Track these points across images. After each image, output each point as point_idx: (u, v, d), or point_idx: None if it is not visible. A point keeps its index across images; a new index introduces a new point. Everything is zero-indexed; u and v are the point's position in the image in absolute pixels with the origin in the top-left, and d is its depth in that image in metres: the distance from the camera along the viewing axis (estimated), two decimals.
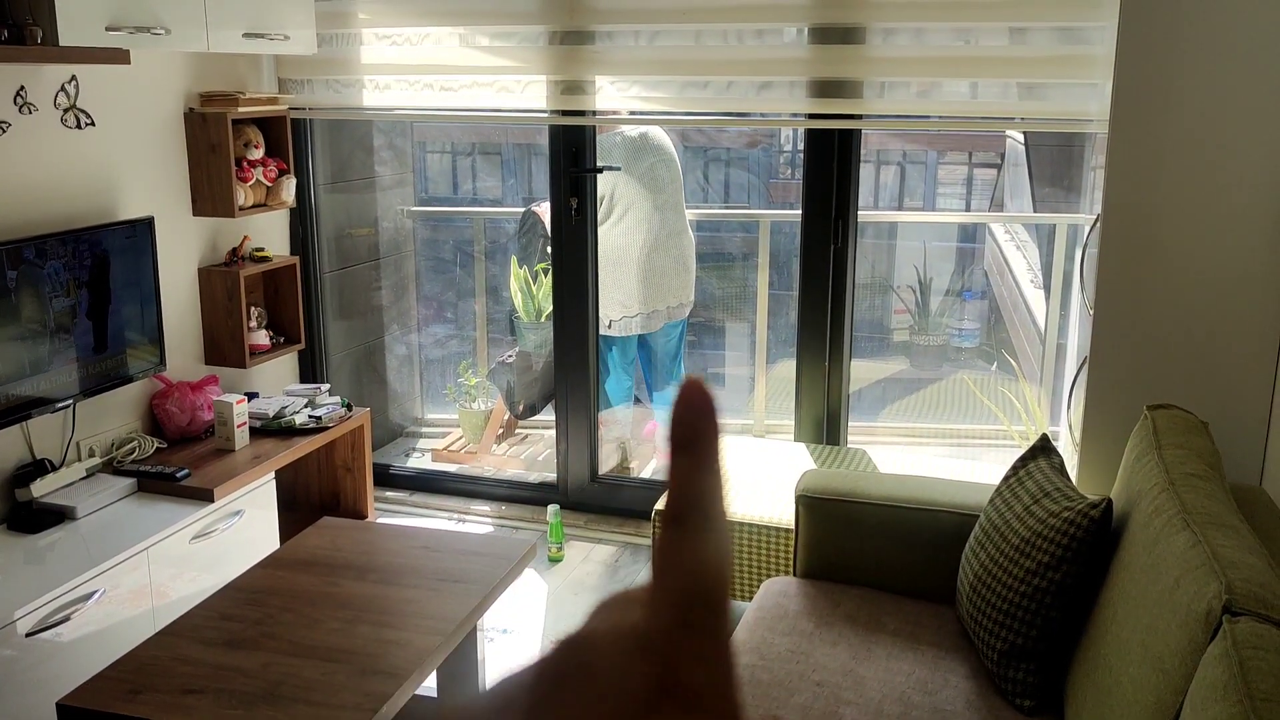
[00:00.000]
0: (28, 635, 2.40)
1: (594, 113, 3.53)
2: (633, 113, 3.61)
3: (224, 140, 3.35)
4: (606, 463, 4.01)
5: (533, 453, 4.45)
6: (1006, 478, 2.24)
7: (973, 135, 8.08)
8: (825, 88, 3.22)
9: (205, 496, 2.95)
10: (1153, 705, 1.51)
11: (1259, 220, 2.45)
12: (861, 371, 5.13)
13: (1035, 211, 6.20)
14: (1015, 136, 7.03)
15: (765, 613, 2.33)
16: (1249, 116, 2.41)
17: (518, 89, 3.51)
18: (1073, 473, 2.68)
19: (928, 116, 3.38)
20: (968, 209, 8.65)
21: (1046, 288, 4.61)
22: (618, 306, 4.03)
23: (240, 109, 3.40)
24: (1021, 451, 2.29)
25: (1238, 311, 2.50)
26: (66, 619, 2.49)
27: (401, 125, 4.63)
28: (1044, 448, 2.25)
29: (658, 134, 4.02)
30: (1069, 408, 2.92)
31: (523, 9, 3.44)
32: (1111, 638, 1.76)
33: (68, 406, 2.93)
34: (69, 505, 2.82)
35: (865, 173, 8.29)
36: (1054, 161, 6.35)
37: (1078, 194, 5.01)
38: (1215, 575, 1.49)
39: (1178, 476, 1.84)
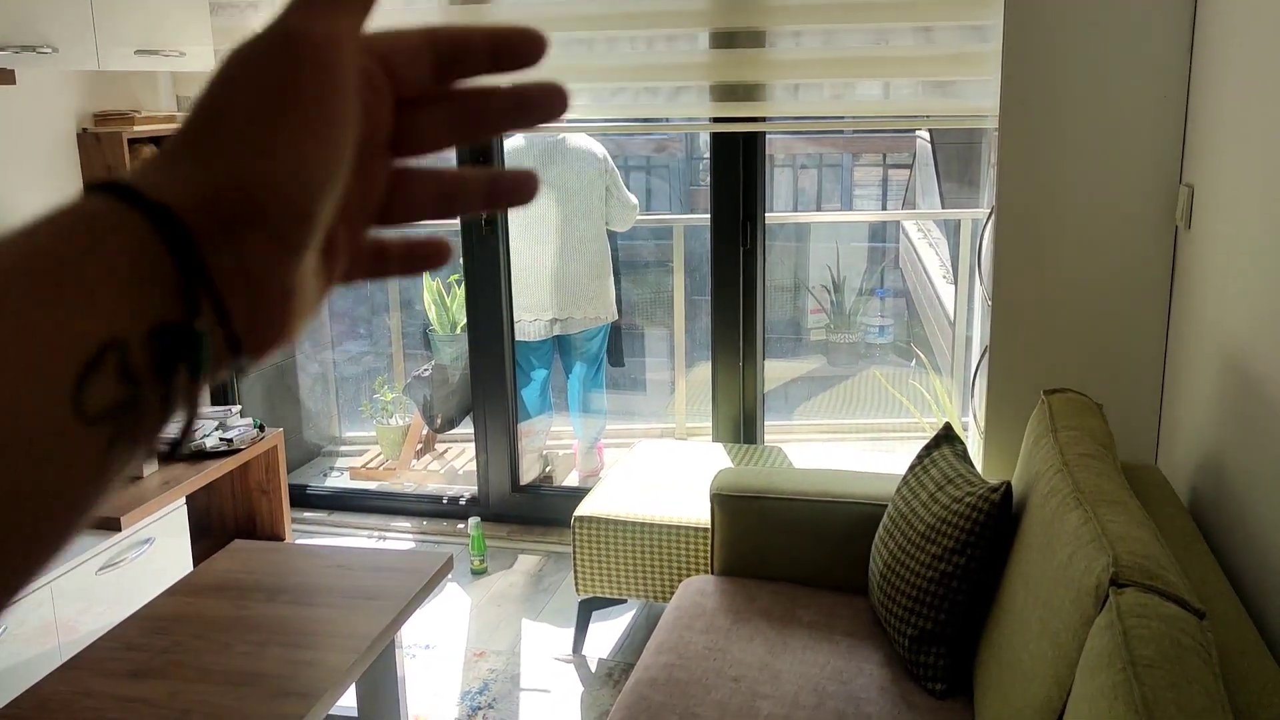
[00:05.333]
0: None
1: None
2: None
3: (120, 161, 3.27)
4: (528, 473, 4.00)
5: (453, 466, 4.42)
6: (911, 467, 2.28)
7: (885, 137, 8.23)
8: (731, 91, 3.25)
9: (111, 525, 2.87)
10: (1050, 677, 1.55)
11: (1146, 208, 2.54)
12: (778, 371, 5.19)
13: (943, 208, 6.34)
14: (924, 136, 7.18)
15: (683, 612, 2.34)
16: (1134, 107, 2.50)
17: None
18: (978, 459, 2.74)
19: (841, 117, 3.42)
20: (884, 209, 8.81)
21: (955, 282, 4.71)
22: (524, 311, 4.02)
23: (136, 128, 3.32)
24: None
25: (1128, 297, 2.59)
26: None
27: None
28: (947, 436, 2.30)
29: (575, 140, 4.00)
30: (973, 396, 2.99)
31: (424, 20, 3.41)
32: (1013, 616, 1.81)
33: None
34: None
35: (784, 177, 8.42)
36: (959, 159, 6.50)
37: (980, 189, 5.13)
38: (1104, 549, 1.54)
39: (1072, 457, 1.90)
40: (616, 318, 4.23)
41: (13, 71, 2.73)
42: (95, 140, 3.28)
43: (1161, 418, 2.61)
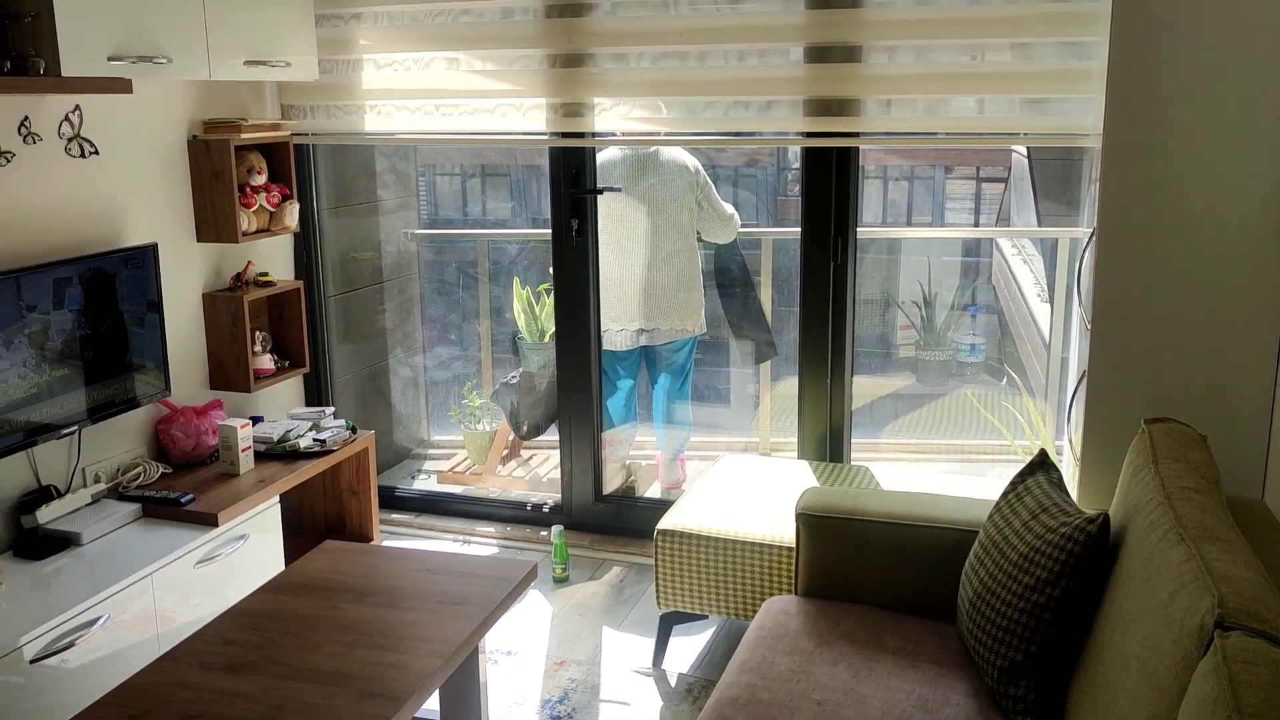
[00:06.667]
0: (32, 661, 2.41)
1: (594, 134, 3.55)
2: (632, 134, 3.63)
3: (227, 167, 3.38)
4: (611, 483, 4.01)
5: (537, 473, 4.46)
6: (1005, 493, 2.24)
7: (979, 151, 8.09)
8: (824, 106, 3.23)
9: (209, 521, 2.96)
10: None
11: (1255, 231, 2.45)
12: (866, 388, 5.13)
13: (1040, 226, 6.20)
14: (1020, 151, 7.04)
15: (766, 632, 2.33)
16: (1243, 128, 2.42)
17: (518, 113, 3.53)
18: (1074, 487, 2.67)
19: (934, 134, 3.37)
20: (976, 224, 8.64)
21: (1051, 302, 4.61)
22: (612, 320, 4.06)
23: (243, 135, 3.43)
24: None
25: (1236, 323, 2.50)
26: (71, 645, 2.50)
27: (404, 149, 4.66)
28: (1042, 463, 2.25)
29: (668, 153, 4.03)
30: (1070, 421, 2.92)
31: (522, 33, 3.47)
32: (1109, 653, 1.76)
33: (73, 433, 2.95)
34: (74, 531, 2.84)
35: (874, 189, 8.31)
36: (1059, 176, 6.36)
37: (1080, 208, 5.01)
38: (1208, 590, 1.49)
39: (1174, 490, 1.84)
40: (704, 330, 4.23)
41: (130, 81, 2.84)
42: (204, 147, 3.39)
43: (1270, 451, 2.51)
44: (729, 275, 4.43)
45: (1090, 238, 2.67)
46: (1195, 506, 1.77)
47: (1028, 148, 6.31)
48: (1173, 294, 2.52)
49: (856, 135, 3.26)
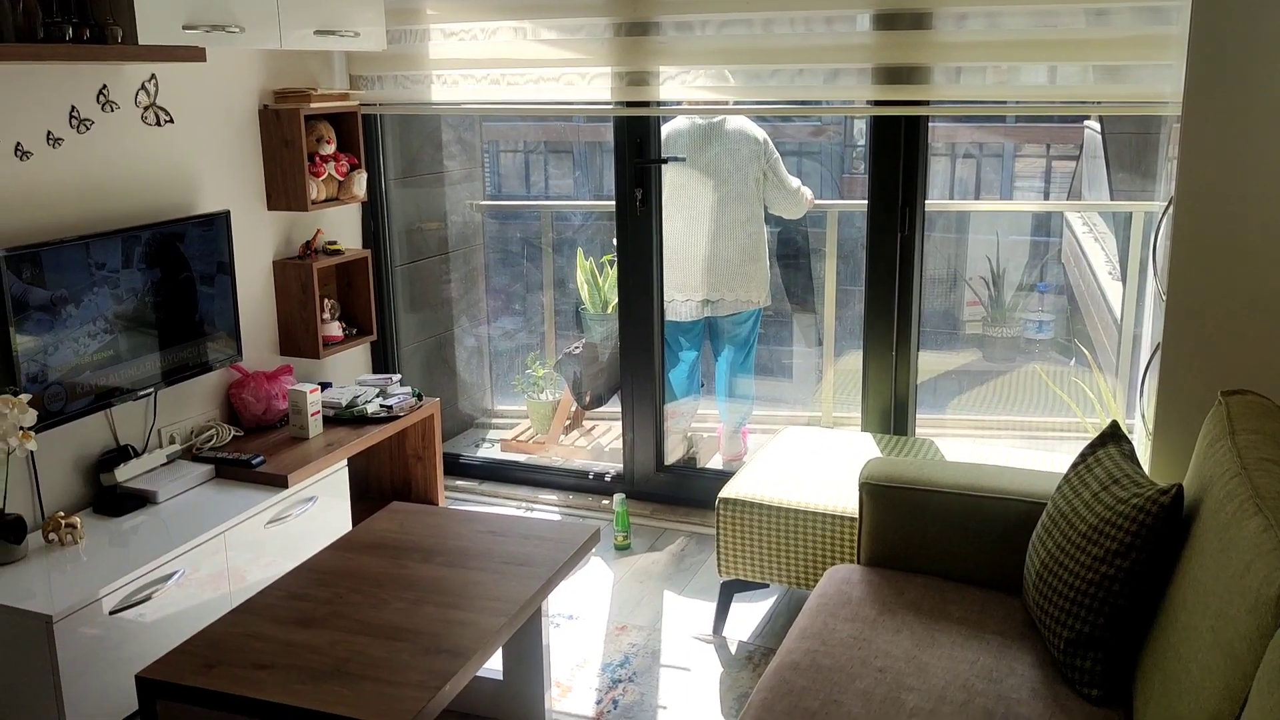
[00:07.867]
0: (111, 613, 2.49)
1: (659, 103, 3.54)
2: (697, 103, 3.62)
3: (297, 136, 3.43)
4: (672, 454, 4.02)
5: (599, 443, 4.49)
6: (1075, 465, 2.20)
7: (1049, 127, 7.91)
8: (893, 74, 3.19)
9: (280, 483, 3.03)
10: (1221, 690, 1.48)
11: None
12: (931, 363, 5.06)
13: (1113, 200, 6.07)
14: (1093, 126, 6.87)
15: (828, 599, 2.32)
16: None
17: (583, 81, 3.53)
18: (1145, 462, 2.62)
19: (1003, 102, 3.30)
20: (1045, 200, 8.46)
21: (1123, 277, 4.51)
22: (676, 291, 4.05)
23: (312, 105, 3.48)
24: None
25: None
26: (148, 598, 2.58)
27: (470, 120, 4.69)
28: (1113, 434, 2.20)
29: (734, 123, 4.00)
30: (1142, 396, 2.86)
31: (587, 1, 3.46)
32: (1181, 625, 1.73)
33: (149, 395, 3.03)
34: (151, 490, 2.92)
35: (941, 165, 8.18)
36: (1133, 149, 6.20)
37: (1155, 181, 4.89)
38: None
39: (1251, 461, 1.79)
40: (769, 303, 4.21)
41: (204, 50, 2.89)
42: (275, 116, 3.45)
43: None
44: (794, 247, 4.41)
45: (1167, 208, 2.60)
46: (1273, 477, 1.73)
47: (1101, 121, 6.17)
48: (1251, 265, 2.45)
49: (925, 104, 3.21)
